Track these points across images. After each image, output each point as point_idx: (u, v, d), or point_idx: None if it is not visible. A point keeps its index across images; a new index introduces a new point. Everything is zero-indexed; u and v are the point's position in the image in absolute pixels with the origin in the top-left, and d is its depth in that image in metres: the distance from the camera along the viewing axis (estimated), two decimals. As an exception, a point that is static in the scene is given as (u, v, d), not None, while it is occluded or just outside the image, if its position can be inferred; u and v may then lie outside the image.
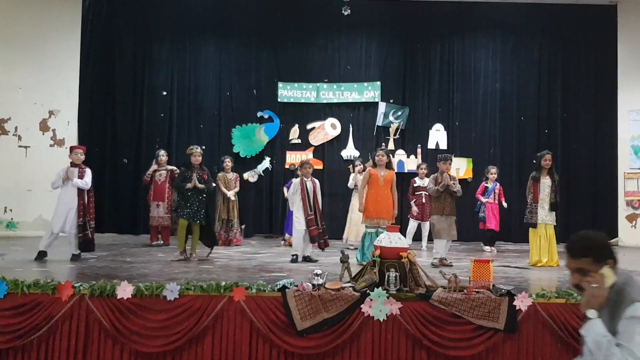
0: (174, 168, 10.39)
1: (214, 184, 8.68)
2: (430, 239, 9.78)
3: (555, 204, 8.49)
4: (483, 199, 10.72)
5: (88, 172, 8.18)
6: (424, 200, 10.43)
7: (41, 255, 7.99)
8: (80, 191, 8.04)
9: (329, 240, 11.48)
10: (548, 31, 12.92)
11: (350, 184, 10.71)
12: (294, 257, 8.41)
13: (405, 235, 10.39)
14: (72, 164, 8.13)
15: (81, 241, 8.03)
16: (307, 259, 8.43)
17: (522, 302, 5.20)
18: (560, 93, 12.82)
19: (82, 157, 8.20)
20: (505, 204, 10.82)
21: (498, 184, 10.81)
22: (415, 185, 10.66)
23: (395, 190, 8.33)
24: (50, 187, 8.14)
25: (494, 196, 10.72)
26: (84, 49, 12.27)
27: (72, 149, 8.35)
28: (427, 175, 10.00)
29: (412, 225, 10.75)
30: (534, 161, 8.85)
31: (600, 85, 12.74)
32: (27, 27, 11.81)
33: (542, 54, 12.93)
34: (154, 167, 10.46)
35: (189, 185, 8.27)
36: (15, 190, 11.49)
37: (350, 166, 11.20)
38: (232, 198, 10.46)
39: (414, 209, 10.51)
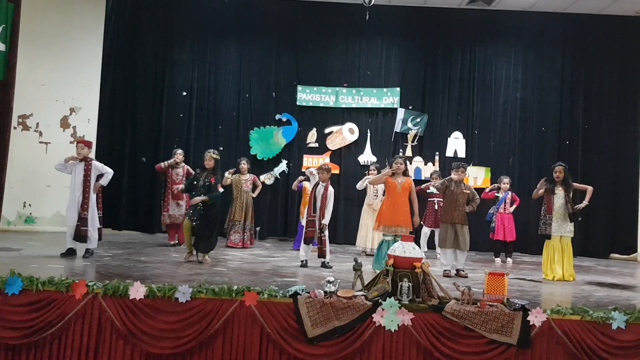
0: (188, 167, 10.43)
1: (221, 189, 8.57)
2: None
3: (573, 214, 8.39)
4: (493, 208, 10.61)
5: (96, 166, 8.32)
6: (436, 207, 10.39)
7: (69, 252, 8.10)
8: (86, 185, 8.13)
9: (344, 245, 11.61)
10: (571, 41, 12.77)
11: (359, 184, 10.66)
12: (303, 262, 8.45)
13: (419, 243, 10.42)
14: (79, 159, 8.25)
15: (77, 233, 8.08)
16: (323, 265, 8.42)
17: (536, 318, 5.15)
18: (583, 104, 12.67)
19: (85, 151, 8.27)
20: (509, 209, 10.65)
21: (509, 193, 10.69)
22: (428, 191, 10.64)
23: (415, 197, 8.29)
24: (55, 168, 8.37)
25: (504, 206, 10.62)
26: (106, 47, 12.35)
27: (77, 143, 8.49)
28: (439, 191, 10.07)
29: (425, 232, 10.72)
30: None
31: (623, 97, 12.56)
32: (51, 25, 11.90)
33: (564, 64, 12.78)
34: (171, 162, 10.46)
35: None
36: (34, 185, 11.58)
37: (367, 171, 11.17)
38: (253, 194, 10.66)
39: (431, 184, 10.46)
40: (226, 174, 10.24)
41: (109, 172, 8.39)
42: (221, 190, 8.57)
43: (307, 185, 9.55)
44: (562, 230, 8.39)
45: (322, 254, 8.47)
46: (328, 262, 8.47)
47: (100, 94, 12.27)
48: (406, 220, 8.03)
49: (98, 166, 8.34)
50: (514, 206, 10.68)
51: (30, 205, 11.71)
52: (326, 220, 8.47)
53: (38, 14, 11.68)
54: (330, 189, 8.60)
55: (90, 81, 12.14)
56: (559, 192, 8.45)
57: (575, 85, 12.74)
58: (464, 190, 8.33)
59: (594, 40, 12.67)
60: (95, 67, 12.21)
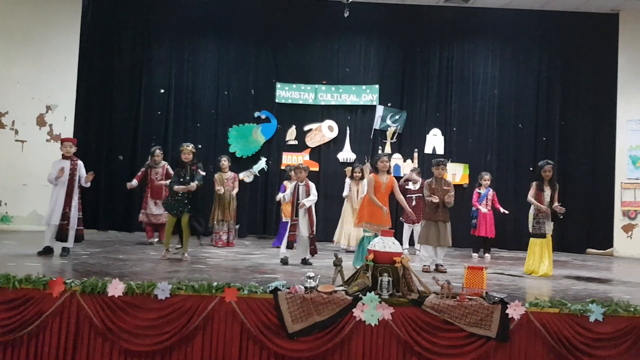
0: (167, 166, 10.33)
1: (202, 174, 8.56)
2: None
3: (554, 213, 8.45)
4: (479, 207, 10.72)
5: (81, 165, 8.21)
6: (414, 203, 10.39)
7: (47, 251, 7.97)
8: (71, 184, 8.03)
9: (324, 243, 11.58)
10: (548, 38, 12.91)
11: (346, 190, 10.67)
12: (283, 259, 8.41)
13: (401, 240, 10.46)
14: (63, 157, 8.13)
15: (59, 230, 7.95)
16: (304, 262, 8.40)
17: (514, 311, 5.18)
18: (559, 101, 12.81)
19: (73, 150, 8.18)
20: (503, 210, 10.79)
21: (491, 190, 10.81)
22: (406, 187, 10.67)
23: (400, 195, 8.47)
24: (47, 181, 8.13)
25: (487, 202, 10.72)
26: (82, 44, 12.24)
27: (62, 141, 8.35)
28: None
29: (407, 229, 10.76)
30: (531, 169, 8.81)
31: (599, 94, 12.72)
32: (27, 22, 11.76)
33: (541, 61, 12.93)
34: (147, 163, 10.41)
35: (176, 188, 8.14)
36: (10, 184, 11.44)
37: (348, 169, 11.15)
38: (223, 192, 10.42)
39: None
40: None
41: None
42: (203, 173, 8.55)
43: (288, 185, 9.54)
44: (549, 228, 8.48)
45: (314, 252, 8.49)
46: (308, 259, 8.46)
47: (76, 92, 12.17)
48: (387, 219, 8.04)
49: (81, 167, 8.24)
50: (501, 208, 10.82)
51: (6, 204, 11.56)
52: (307, 201, 8.44)
53: (13, 10, 11.57)
54: (310, 184, 8.60)
55: (66, 78, 12.02)
56: (547, 190, 8.49)
57: (552, 82, 12.88)
58: (444, 187, 8.37)
59: (570, 37, 12.82)
60: (72, 64, 12.09)
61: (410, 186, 10.64)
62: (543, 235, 8.38)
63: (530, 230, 8.52)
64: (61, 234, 7.96)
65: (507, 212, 10.85)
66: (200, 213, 8.45)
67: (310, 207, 8.52)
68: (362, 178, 10.50)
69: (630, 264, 10.90)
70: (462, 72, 13.03)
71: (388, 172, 8.29)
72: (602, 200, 12.47)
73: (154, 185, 10.28)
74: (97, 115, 12.51)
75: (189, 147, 8.40)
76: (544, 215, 8.35)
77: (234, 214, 10.58)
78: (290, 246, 8.45)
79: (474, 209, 10.80)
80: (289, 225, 8.58)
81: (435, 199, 8.23)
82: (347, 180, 10.81)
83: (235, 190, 10.61)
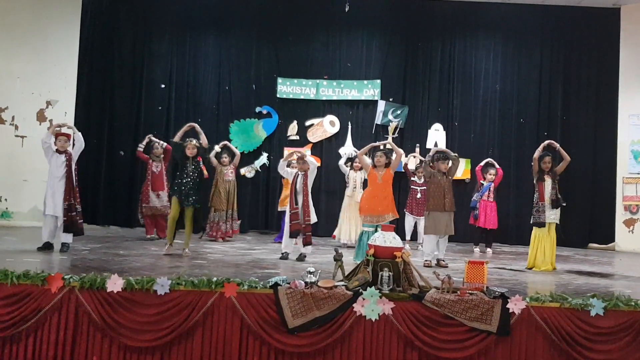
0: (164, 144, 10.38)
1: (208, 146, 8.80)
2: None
3: (556, 200, 8.42)
4: (483, 182, 10.65)
5: (75, 154, 8.19)
6: (418, 196, 10.44)
7: (46, 246, 7.93)
8: (68, 173, 7.99)
9: (325, 238, 11.57)
10: (550, 33, 12.85)
11: (349, 190, 10.61)
12: (284, 254, 8.37)
13: (404, 232, 10.46)
14: (58, 151, 8.09)
15: (66, 224, 7.91)
16: (300, 257, 8.35)
17: (515, 305, 5.17)
18: (561, 95, 12.76)
19: (68, 145, 8.18)
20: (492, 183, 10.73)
21: (492, 184, 10.77)
22: (412, 178, 10.69)
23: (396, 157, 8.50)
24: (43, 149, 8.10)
25: (489, 194, 10.68)
26: (83, 39, 12.19)
27: (57, 136, 8.29)
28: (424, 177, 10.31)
29: (409, 221, 10.70)
30: (532, 163, 8.81)
31: (601, 88, 12.66)
32: (27, 17, 11.72)
33: (543, 55, 12.86)
34: (147, 140, 10.56)
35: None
36: (10, 180, 11.42)
37: (352, 162, 11.11)
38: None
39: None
40: (216, 147, 10.68)
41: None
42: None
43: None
44: (551, 217, 8.45)
45: (308, 242, 8.37)
46: (302, 254, 8.39)
47: (77, 87, 12.11)
48: (386, 209, 8.04)
49: (76, 149, 8.24)
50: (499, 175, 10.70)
51: (6, 200, 11.55)
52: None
53: (14, 5, 11.53)
54: (309, 172, 8.51)
55: (67, 74, 11.98)
56: (549, 180, 8.49)
57: (554, 77, 12.82)
58: (449, 177, 8.48)
59: (572, 32, 12.76)
60: (72, 59, 12.05)
61: (415, 178, 10.65)
62: (542, 224, 8.36)
63: (531, 220, 8.53)
64: (70, 227, 7.92)
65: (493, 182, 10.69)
66: (205, 206, 8.45)
67: (308, 193, 8.46)
68: (360, 169, 10.48)
69: (631, 258, 10.86)
70: (464, 67, 12.97)
71: (386, 166, 8.29)
72: (603, 194, 12.42)
73: (155, 177, 10.25)
74: (98, 111, 12.47)
75: (192, 142, 8.39)
76: (543, 203, 8.34)
77: (233, 203, 10.57)
78: (293, 236, 8.40)
79: (474, 199, 10.70)
80: (288, 214, 8.52)
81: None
82: (348, 172, 10.69)
83: (234, 177, 10.69)
